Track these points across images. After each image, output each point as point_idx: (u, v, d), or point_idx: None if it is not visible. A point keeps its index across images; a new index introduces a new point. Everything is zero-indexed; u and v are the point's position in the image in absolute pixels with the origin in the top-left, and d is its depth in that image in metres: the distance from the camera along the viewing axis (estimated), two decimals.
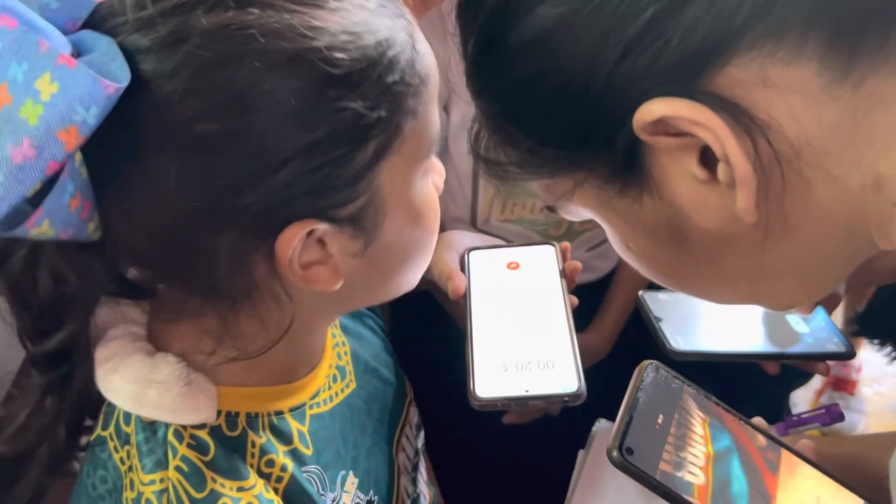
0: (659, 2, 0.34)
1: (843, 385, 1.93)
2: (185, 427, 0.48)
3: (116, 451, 0.50)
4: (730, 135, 0.34)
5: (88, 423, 0.53)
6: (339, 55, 0.41)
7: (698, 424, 0.47)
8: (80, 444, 0.53)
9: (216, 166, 0.41)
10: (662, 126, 0.35)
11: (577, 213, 0.45)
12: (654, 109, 0.35)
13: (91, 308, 0.49)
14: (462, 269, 0.69)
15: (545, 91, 0.38)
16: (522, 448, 1.11)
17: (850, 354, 0.67)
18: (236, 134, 0.40)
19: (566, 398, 0.54)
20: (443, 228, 0.79)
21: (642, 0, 0.34)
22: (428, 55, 0.48)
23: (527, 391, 0.54)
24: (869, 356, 2.04)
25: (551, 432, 1.07)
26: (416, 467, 0.71)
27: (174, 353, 0.50)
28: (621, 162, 0.38)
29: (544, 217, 0.99)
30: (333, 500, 0.56)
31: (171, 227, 0.43)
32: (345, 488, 0.58)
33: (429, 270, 0.71)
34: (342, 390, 0.62)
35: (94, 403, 0.51)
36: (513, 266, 0.68)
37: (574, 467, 0.56)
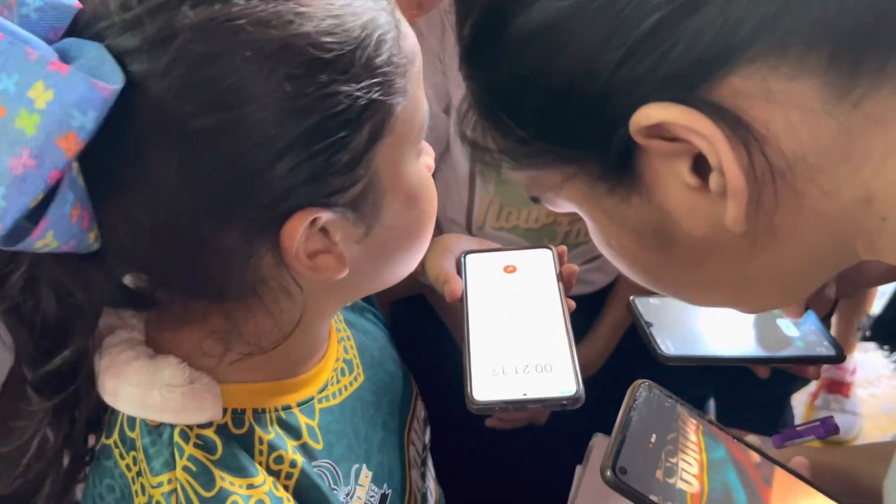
0: (665, 8, 0.33)
1: (838, 387, 1.94)
2: (190, 427, 0.48)
3: (122, 458, 0.50)
4: (726, 145, 0.34)
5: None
6: (327, 39, 0.41)
7: (692, 442, 0.48)
8: (84, 472, 0.52)
9: (216, 161, 0.41)
10: (658, 130, 0.36)
11: (562, 206, 0.45)
12: (652, 114, 0.35)
13: (96, 320, 0.49)
14: (458, 273, 0.69)
15: (542, 87, 0.38)
16: (523, 451, 1.11)
17: (839, 358, 0.68)
18: (233, 127, 0.40)
19: (564, 402, 0.53)
20: (440, 230, 0.79)
21: (648, 4, 0.34)
22: (411, 35, 0.48)
23: (524, 394, 0.54)
24: (863, 358, 2.06)
25: (550, 435, 1.08)
26: (424, 462, 0.70)
27: (177, 353, 0.50)
28: (614, 162, 0.38)
29: (539, 227, 0.99)
30: (348, 494, 0.56)
31: (176, 226, 0.43)
32: (359, 482, 0.57)
33: (425, 274, 0.72)
34: (350, 384, 0.62)
35: (99, 418, 0.51)
36: (510, 269, 0.68)
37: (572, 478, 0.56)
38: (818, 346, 0.69)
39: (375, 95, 0.44)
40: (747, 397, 1.16)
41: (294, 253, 0.44)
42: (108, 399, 0.48)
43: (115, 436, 0.50)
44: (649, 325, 0.67)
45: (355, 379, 0.63)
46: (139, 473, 0.48)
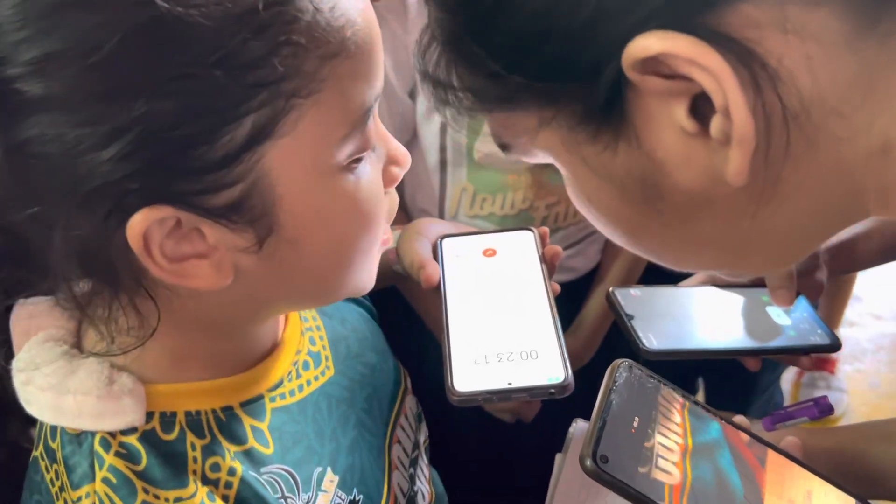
0: None
1: (823, 364, 1.93)
2: (112, 434, 0.44)
3: (47, 472, 0.46)
4: (735, 83, 0.30)
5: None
6: (187, 10, 0.35)
7: (676, 424, 0.45)
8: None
9: (44, 133, 0.36)
10: (655, 65, 0.31)
11: (536, 155, 0.40)
12: (650, 44, 0.31)
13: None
14: (435, 258, 0.65)
15: (519, 7, 0.33)
16: (521, 444, 1.08)
17: (835, 346, 0.65)
18: (62, 98, 0.35)
19: (552, 390, 0.50)
20: (410, 220, 0.76)
21: None
22: (348, 6, 0.40)
23: (509, 383, 0.51)
24: (848, 333, 2.06)
25: (556, 428, 1.06)
26: (414, 463, 0.65)
27: (98, 351, 0.45)
28: (601, 101, 0.34)
29: (515, 213, 0.96)
30: (308, 502, 0.51)
31: (15, 205, 0.38)
32: (322, 487, 0.53)
33: (398, 261, 0.68)
34: (316, 378, 0.56)
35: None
36: (489, 253, 0.64)
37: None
38: (811, 334, 0.66)
39: (264, 84, 0.37)
40: (736, 379, 1.14)
41: (143, 252, 0.39)
42: (25, 406, 0.45)
43: (41, 447, 0.47)
44: (630, 317, 0.63)
45: (322, 373, 0.57)
46: (62, 488, 0.45)
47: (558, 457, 0.54)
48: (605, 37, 0.32)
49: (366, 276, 0.49)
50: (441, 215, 0.97)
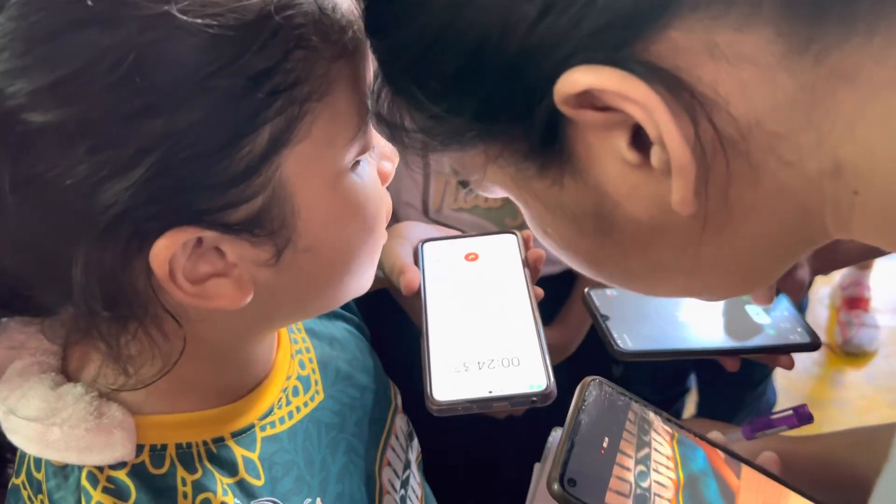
0: None
1: (857, 303, 2.02)
2: (100, 468, 0.43)
3: (30, 501, 0.44)
4: (666, 113, 0.30)
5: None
6: (204, 21, 0.34)
7: (662, 452, 0.44)
8: None
9: (57, 164, 0.34)
10: (588, 98, 0.31)
11: (493, 190, 0.40)
12: (577, 80, 0.30)
13: None
14: (416, 263, 0.63)
15: (453, 49, 0.33)
16: (511, 451, 1.07)
17: (814, 345, 0.64)
18: (77, 122, 0.34)
19: (534, 398, 0.49)
20: (395, 216, 0.74)
21: None
22: (345, 6, 0.40)
23: (490, 392, 0.50)
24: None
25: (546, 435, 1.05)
26: (405, 484, 0.64)
27: (86, 381, 0.44)
28: (540, 138, 0.34)
29: (499, 205, 0.94)
30: None
31: (24, 237, 0.37)
32: None
33: (379, 266, 0.66)
34: (305, 404, 0.55)
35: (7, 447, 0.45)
36: (471, 257, 0.63)
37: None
38: (791, 333, 0.65)
39: (279, 90, 0.37)
40: (728, 377, 1.13)
41: (168, 277, 0.38)
42: (8, 435, 0.43)
43: (23, 476, 0.45)
44: (605, 318, 0.62)
45: (311, 398, 0.56)
46: None
47: (536, 467, 0.53)
48: (534, 74, 0.31)
49: (369, 277, 0.49)
50: (425, 208, 0.96)
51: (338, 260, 0.45)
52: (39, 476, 0.44)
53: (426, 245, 0.65)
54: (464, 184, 0.42)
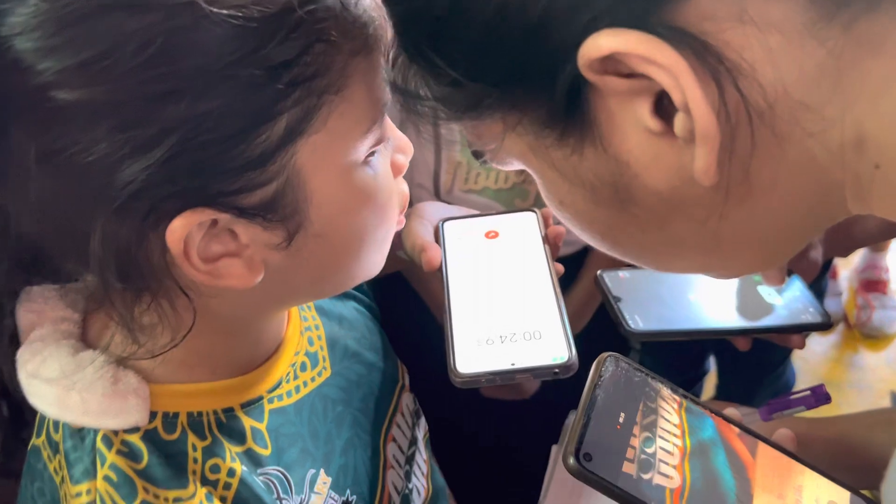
0: None
1: (875, 286, 2.00)
2: (115, 432, 0.44)
3: (49, 462, 0.46)
4: (693, 79, 0.29)
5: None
6: (229, 11, 0.35)
7: (668, 419, 0.43)
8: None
9: (80, 140, 0.36)
10: (612, 64, 0.30)
11: (509, 162, 0.40)
12: (603, 43, 0.29)
13: (4, 300, 0.45)
14: (437, 242, 0.64)
15: (474, 12, 0.32)
16: (528, 434, 1.07)
17: (826, 325, 0.64)
18: (101, 102, 0.35)
19: (556, 370, 0.50)
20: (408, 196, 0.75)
21: None
22: (367, 1, 0.41)
23: (512, 364, 0.50)
24: None
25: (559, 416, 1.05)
26: (410, 459, 0.66)
27: (104, 347, 0.45)
28: (561, 105, 0.33)
29: (509, 187, 0.94)
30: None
31: (47, 207, 0.39)
32: (315, 489, 0.53)
33: (400, 247, 0.67)
34: (313, 379, 0.57)
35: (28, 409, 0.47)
36: (492, 235, 0.64)
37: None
38: (803, 312, 0.65)
39: (298, 82, 0.38)
40: (747, 358, 1.13)
41: (182, 255, 0.39)
42: (29, 397, 0.45)
43: (44, 437, 0.47)
44: (618, 299, 0.63)
45: (319, 374, 0.58)
46: (63, 480, 0.45)
47: (554, 448, 0.53)
48: (558, 37, 0.31)
49: (378, 263, 0.50)
50: (436, 190, 0.96)
51: (348, 247, 0.46)
52: (57, 437, 0.46)
53: (447, 223, 0.66)
54: (478, 155, 0.41)
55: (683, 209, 0.35)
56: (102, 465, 0.43)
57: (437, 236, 0.65)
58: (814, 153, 0.32)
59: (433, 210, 0.69)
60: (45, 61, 0.34)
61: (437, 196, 0.96)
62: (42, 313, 0.47)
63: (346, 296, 0.67)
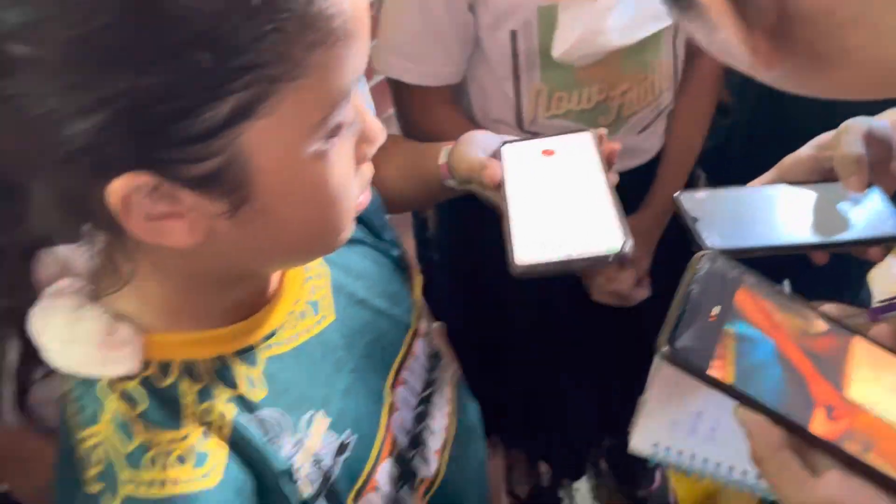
0: None
1: None
2: (116, 380, 0.48)
3: (65, 411, 0.51)
4: None
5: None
6: None
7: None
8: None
9: (29, 93, 0.37)
10: None
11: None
12: None
13: (16, 259, 0.47)
14: None
15: None
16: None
17: None
18: (48, 62, 0.36)
19: (611, 259, 0.53)
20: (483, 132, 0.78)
21: None
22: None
23: (569, 255, 0.53)
24: None
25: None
26: (426, 400, 0.67)
27: (94, 297, 0.49)
28: None
29: (592, 106, 0.94)
30: (297, 442, 0.53)
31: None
32: (312, 428, 0.55)
33: (451, 175, 0.71)
34: (313, 327, 0.58)
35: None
36: (549, 153, 0.67)
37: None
38: (882, 224, 0.63)
39: (247, 67, 0.38)
40: (823, 280, 1.12)
41: (124, 212, 0.40)
42: (42, 353, 0.48)
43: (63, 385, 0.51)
44: (695, 220, 0.64)
45: (319, 322, 0.59)
46: (75, 426, 0.49)
47: (656, 357, 0.55)
48: None
49: (338, 239, 0.50)
50: (519, 122, 0.96)
51: (298, 227, 0.47)
52: (71, 385, 0.50)
53: (505, 147, 0.69)
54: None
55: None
56: (105, 410, 0.47)
57: (496, 157, 0.68)
58: None
59: (481, 137, 0.71)
60: (6, 13, 0.36)
61: (521, 128, 0.97)
62: (58, 268, 0.50)
63: (353, 241, 0.66)
